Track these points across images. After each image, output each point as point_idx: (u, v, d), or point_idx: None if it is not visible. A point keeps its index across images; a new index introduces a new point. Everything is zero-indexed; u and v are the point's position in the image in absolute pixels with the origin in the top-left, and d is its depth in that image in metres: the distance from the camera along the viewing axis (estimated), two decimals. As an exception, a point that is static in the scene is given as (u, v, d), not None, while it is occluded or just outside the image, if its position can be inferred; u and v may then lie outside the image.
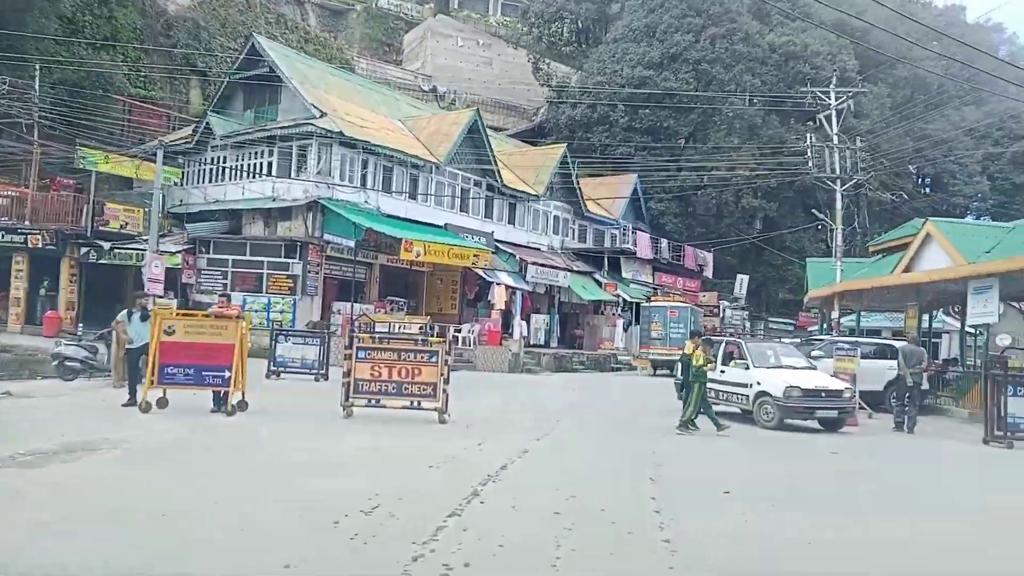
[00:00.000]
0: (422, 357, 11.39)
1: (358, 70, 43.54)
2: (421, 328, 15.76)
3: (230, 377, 10.92)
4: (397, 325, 15.55)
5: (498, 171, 30.86)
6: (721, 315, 39.72)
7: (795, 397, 12.53)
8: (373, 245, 26.37)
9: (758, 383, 13.15)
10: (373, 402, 11.38)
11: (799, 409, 12.58)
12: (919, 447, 12.46)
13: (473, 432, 10.53)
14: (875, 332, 28.38)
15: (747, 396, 13.37)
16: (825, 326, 26.03)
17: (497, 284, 27.81)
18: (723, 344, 14.56)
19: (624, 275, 36.79)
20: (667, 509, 6.53)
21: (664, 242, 39.48)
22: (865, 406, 15.94)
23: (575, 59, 53.41)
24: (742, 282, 42.37)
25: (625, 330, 34.71)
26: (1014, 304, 29.32)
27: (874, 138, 40.99)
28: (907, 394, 14.31)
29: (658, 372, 27.22)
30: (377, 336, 12.53)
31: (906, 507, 7.49)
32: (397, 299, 26.95)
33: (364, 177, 26.27)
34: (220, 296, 17.36)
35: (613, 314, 35.02)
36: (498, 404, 14.68)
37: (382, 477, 7.44)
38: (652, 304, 32.01)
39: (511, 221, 33.01)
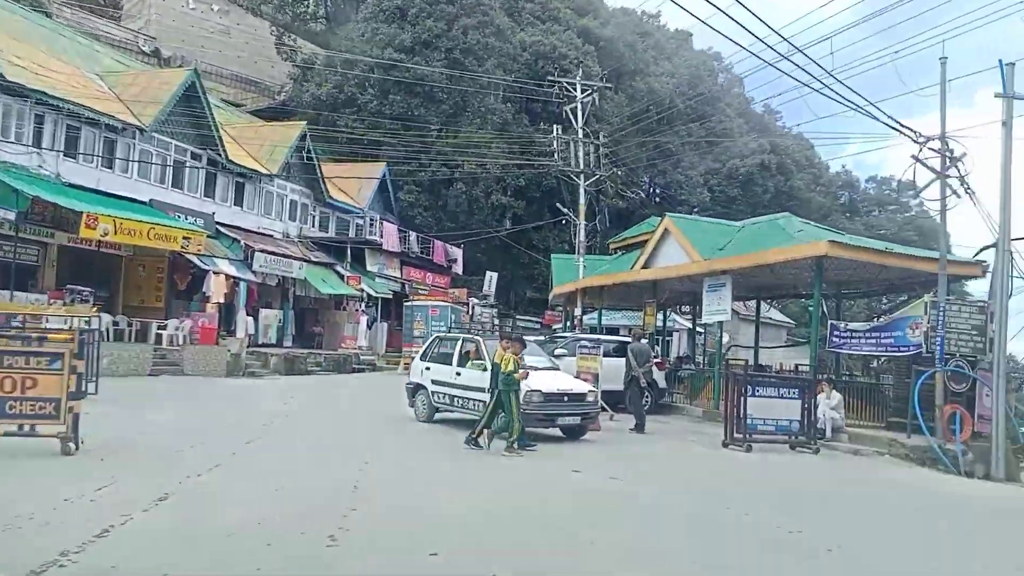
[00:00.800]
0: (38, 363, 7.99)
1: (61, 21, 36.27)
2: (84, 323, 12.02)
3: None
4: (45, 318, 11.65)
5: (221, 142, 26.74)
6: (470, 312, 38.71)
7: (535, 403, 10.92)
8: (50, 220, 21.16)
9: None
10: (-46, 428, 7.78)
11: (540, 416, 10.96)
12: (663, 456, 11.42)
13: (105, 467, 7.45)
14: (615, 330, 28.78)
15: (484, 402, 11.52)
16: (569, 323, 25.69)
17: (215, 273, 23.86)
18: (459, 343, 12.64)
19: (369, 268, 34.22)
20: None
21: (413, 235, 37.53)
22: (607, 407, 15.02)
23: (323, 37, 49.81)
24: (491, 279, 41.79)
25: (369, 327, 32.19)
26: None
27: (614, 145, 42.47)
28: (640, 394, 13.62)
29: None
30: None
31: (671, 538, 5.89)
32: (81, 288, 21.87)
33: (39, 136, 21.03)
34: None
35: (357, 310, 32.30)
36: (173, 421, 11.39)
37: None
38: (414, 303, 30.98)
39: (238, 202, 28.94)
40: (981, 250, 14.78)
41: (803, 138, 67.55)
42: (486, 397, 11.48)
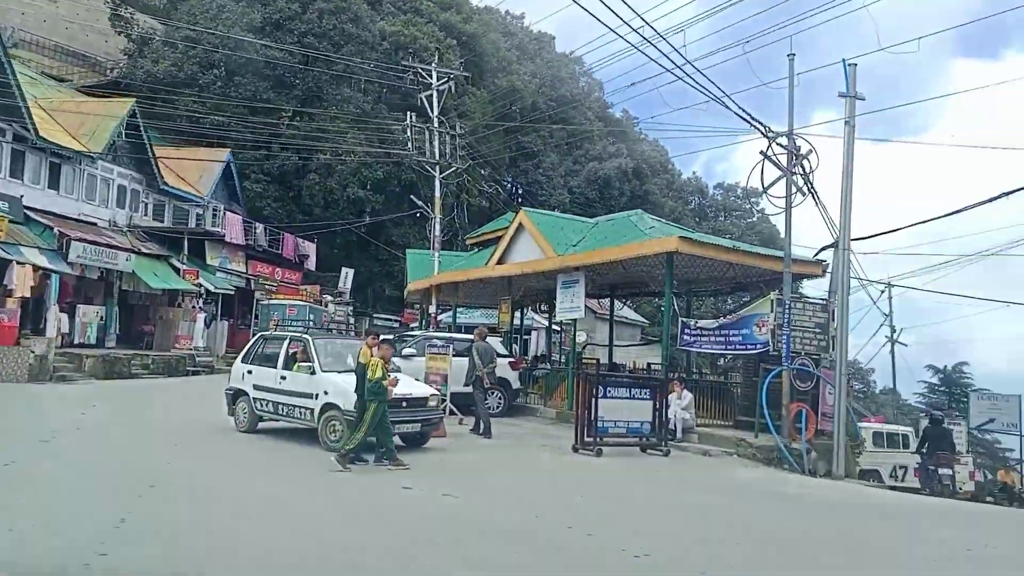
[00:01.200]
0: None
1: None
2: None
3: None
4: None
5: (30, 115, 23.53)
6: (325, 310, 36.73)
7: (369, 409, 9.74)
8: None
9: (325, 392, 10.11)
10: None
11: (374, 424, 9.76)
12: (506, 465, 10.53)
13: None
14: (473, 329, 27.93)
15: (312, 410, 10.24)
16: (425, 322, 24.59)
17: (19, 263, 20.90)
18: (286, 343, 11.24)
19: (210, 262, 31.53)
20: None
21: (261, 227, 35.02)
22: (456, 410, 14.09)
23: (164, 11, 45.84)
24: (347, 276, 39.95)
25: (208, 326, 29.58)
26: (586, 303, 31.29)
27: (477, 142, 41.89)
28: (484, 396, 12.98)
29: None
30: None
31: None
32: None
33: None
34: None
35: (193, 307, 29.58)
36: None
37: None
38: (271, 301, 29.72)
39: (53, 186, 25.68)
40: (821, 250, 15.10)
41: (659, 145, 70.20)
42: (313, 404, 10.21)
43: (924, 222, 14.82)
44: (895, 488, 13.82)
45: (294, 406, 10.55)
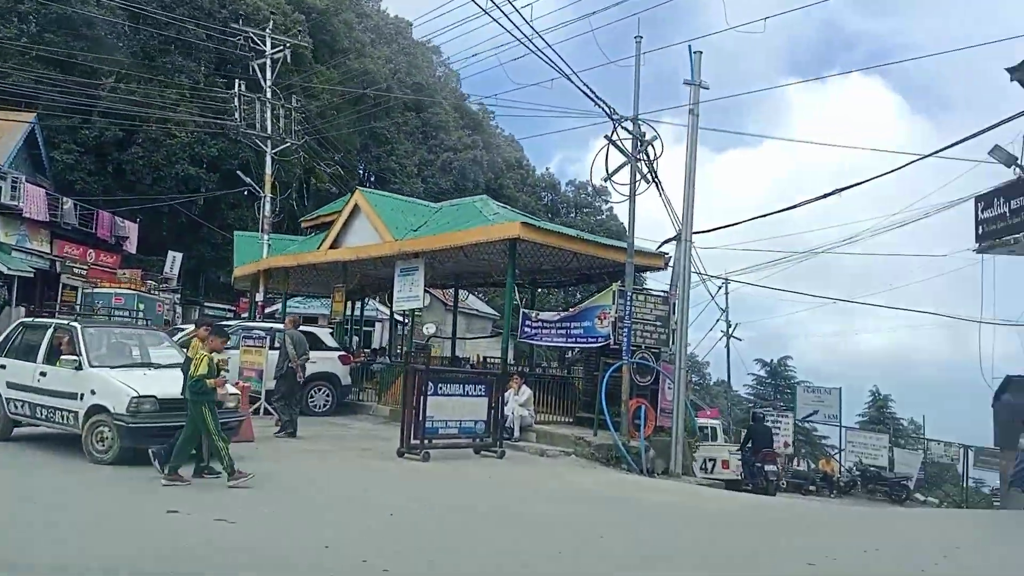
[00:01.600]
0: None
1: None
2: None
3: None
4: None
5: None
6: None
7: (147, 412, 8.10)
8: None
9: (92, 392, 8.35)
10: None
11: (152, 431, 8.08)
12: (313, 475, 9.09)
13: None
14: (313, 320, 26.06)
15: (75, 413, 8.45)
16: (254, 312, 22.50)
17: None
18: (49, 332, 9.30)
19: (5, 239, 27.58)
20: None
21: (70, 203, 31.09)
22: (273, 410, 12.53)
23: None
24: (175, 260, 36.48)
25: (-1, 312, 25.84)
26: (434, 293, 30.27)
27: (326, 124, 39.79)
28: (292, 390, 11.71)
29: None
30: None
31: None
32: None
33: None
34: None
35: (-19, 292, 25.76)
36: None
37: None
38: (96, 290, 27.18)
39: None
40: (664, 242, 14.85)
41: (514, 141, 70.37)
42: (78, 406, 8.44)
43: (761, 216, 15.01)
44: (710, 479, 13.68)
45: (55, 408, 8.67)
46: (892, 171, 14.00)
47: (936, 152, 12.94)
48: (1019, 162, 13.66)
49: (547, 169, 77.70)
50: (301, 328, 15.41)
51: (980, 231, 14.06)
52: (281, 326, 16.11)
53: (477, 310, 43.94)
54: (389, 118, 52.83)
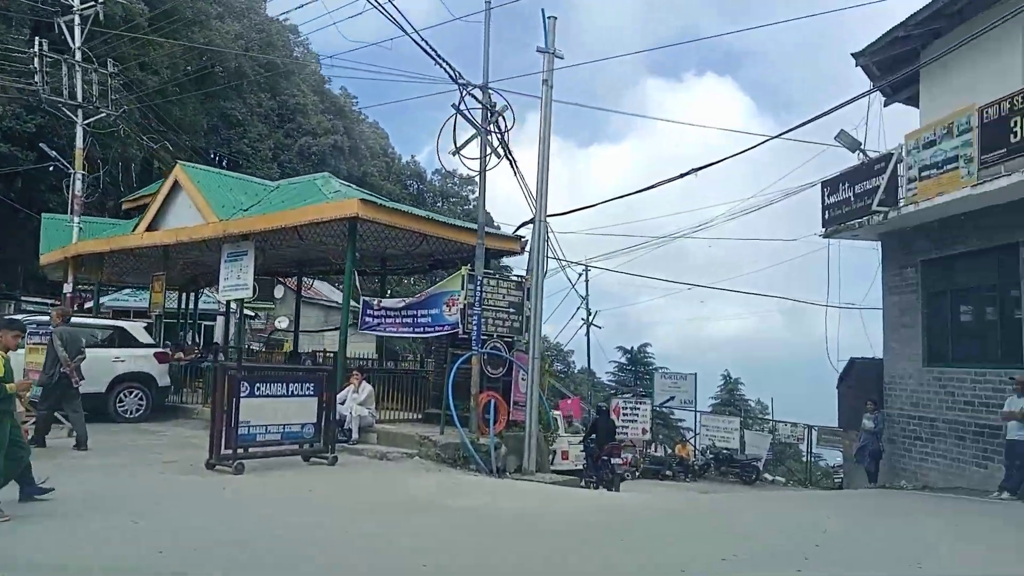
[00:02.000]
0: None
1: None
2: None
3: None
4: None
5: None
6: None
7: None
8: None
9: None
10: None
11: None
12: (97, 495, 7.41)
13: None
14: (141, 313, 23.40)
15: None
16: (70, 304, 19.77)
17: None
18: None
19: None
20: None
21: None
22: (64, 419, 10.61)
23: None
24: (-18, 250, 32.17)
25: None
26: (286, 284, 28.29)
27: (165, 102, 36.53)
28: (71, 399, 9.98)
29: None
30: None
31: None
32: None
33: None
34: None
35: None
36: None
37: None
38: None
39: None
40: (521, 225, 14.07)
41: (379, 127, 68.23)
42: None
43: (617, 198, 14.55)
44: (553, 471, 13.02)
45: None
46: (743, 151, 13.93)
47: (784, 133, 12.83)
48: (863, 147, 13.85)
49: (413, 157, 75.94)
50: (120, 323, 13.55)
51: (826, 216, 14.23)
52: (96, 321, 14.07)
53: (336, 301, 41.89)
54: (240, 98, 49.64)
